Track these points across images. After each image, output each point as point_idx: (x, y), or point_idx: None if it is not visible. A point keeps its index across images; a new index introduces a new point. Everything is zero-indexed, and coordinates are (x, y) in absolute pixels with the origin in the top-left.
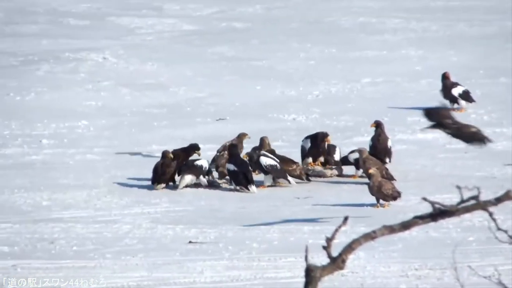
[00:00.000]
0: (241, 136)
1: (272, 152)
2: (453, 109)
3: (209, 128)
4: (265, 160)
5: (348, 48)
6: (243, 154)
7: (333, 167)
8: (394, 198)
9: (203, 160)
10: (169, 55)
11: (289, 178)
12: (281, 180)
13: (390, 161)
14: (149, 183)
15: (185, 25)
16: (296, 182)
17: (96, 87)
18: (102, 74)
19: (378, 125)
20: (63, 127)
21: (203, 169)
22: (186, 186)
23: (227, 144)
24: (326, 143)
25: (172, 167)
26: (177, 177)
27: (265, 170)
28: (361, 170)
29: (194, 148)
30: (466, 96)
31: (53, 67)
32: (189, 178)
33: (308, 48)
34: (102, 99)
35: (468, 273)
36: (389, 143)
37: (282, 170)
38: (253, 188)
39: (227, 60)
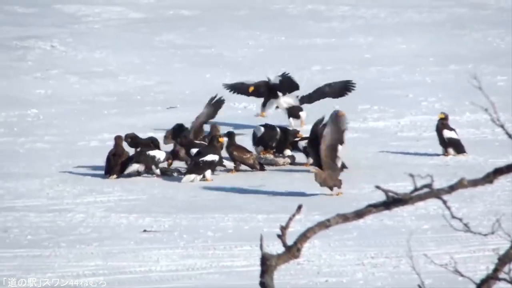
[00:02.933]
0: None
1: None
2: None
3: (159, 116)
4: (195, 151)
5: (297, 36)
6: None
7: (286, 155)
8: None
9: (157, 151)
10: (117, 43)
11: (225, 162)
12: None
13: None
14: (101, 171)
15: (132, 13)
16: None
17: (45, 75)
18: (50, 62)
19: None
20: (13, 116)
21: (155, 159)
22: (137, 173)
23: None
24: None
25: (124, 157)
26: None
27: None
28: (310, 159)
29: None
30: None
31: (0, 55)
32: (136, 166)
33: (257, 35)
34: (51, 87)
35: (424, 261)
36: None
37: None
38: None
39: (176, 48)
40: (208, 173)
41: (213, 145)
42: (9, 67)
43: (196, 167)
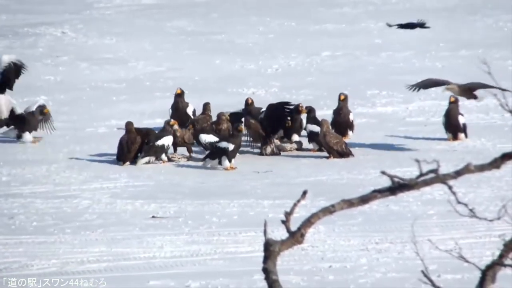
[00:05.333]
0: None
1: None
2: None
3: (168, 103)
4: (205, 138)
5: (307, 22)
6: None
7: (293, 141)
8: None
9: (165, 138)
10: (128, 29)
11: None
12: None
13: (352, 134)
14: (108, 158)
15: None
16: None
17: (55, 62)
18: (61, 48)
19: (345, 98)
20: (22, 102)
21: (165, 148)
22: (145, 163)
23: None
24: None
25: (137, 143)
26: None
27: (204, 147)
28: (312, 145)
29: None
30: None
31: (12, 42)
32: (147, 158)
33: (267, 21)
34: (61, 74)
35: (429, 246)
36: (351, 117)
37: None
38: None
39: (187, 34)
40: (224, 160)
41: (232, 135)
42: (21, 54)
43: (211, 152)
